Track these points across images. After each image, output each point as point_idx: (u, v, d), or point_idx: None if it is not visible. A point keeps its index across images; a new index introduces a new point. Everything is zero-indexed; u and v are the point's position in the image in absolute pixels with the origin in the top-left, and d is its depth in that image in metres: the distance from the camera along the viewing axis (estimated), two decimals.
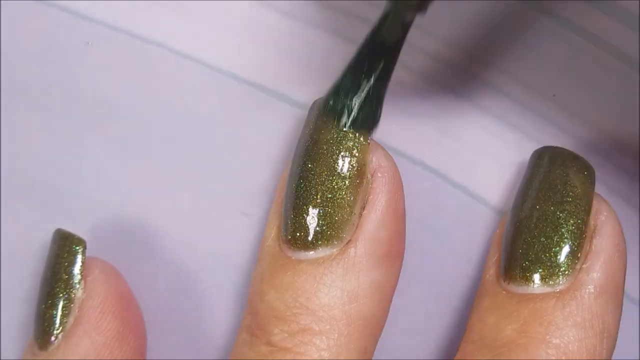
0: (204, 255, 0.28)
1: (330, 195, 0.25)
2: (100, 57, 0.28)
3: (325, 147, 0.25)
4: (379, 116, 0.25)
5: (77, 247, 0.26)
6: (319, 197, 0.25)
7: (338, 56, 0.27)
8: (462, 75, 0.27)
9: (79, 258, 0.26)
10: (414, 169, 0.27)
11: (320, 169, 0.25)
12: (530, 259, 0.24)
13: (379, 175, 0.25)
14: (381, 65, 0.24)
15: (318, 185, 0.25)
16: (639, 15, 0.26)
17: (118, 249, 0.28)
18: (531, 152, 0.26)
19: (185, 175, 0.28)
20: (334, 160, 0.25)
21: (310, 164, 0.25)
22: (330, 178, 0.25)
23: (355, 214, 0.25)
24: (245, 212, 0.28)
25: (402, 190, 0.26)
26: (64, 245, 0.27)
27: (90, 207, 0.28)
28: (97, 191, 0.28)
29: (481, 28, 0.27)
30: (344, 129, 0.25)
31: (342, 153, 0.25)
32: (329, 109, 0.25)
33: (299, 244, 0.25)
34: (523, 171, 0.26)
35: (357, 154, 0.25)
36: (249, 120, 0.28)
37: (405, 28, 0.23)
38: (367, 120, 0.24)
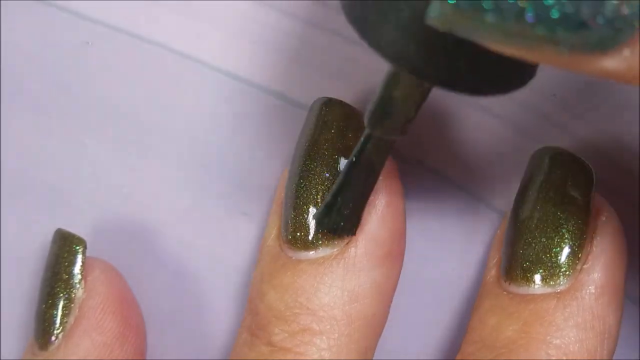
0: (204, 255, 0.28)
1: None
2: (100, 57, 0.28)
3: (325, 147, 0.25)
4: (361, 218, 0.25)
5: (78, 247, 0.26)
6: (319, 197, 0.25)
7: (338, 56, 0.27)
8: None
9: (79, 258, 0.26)
10: (414, 169, 0.27)
11: (320, 169, 0.25)
12: (531, 259, 0.24)
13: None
14: (367, 181, 0.24)
15: (318, 185, 0.25)
16: None
17: (118, 249, 0.28)
18: (531, 152, 0.26)
19: (185, 175, 0.28)
20: (334, 160, 0.25)
21: (310, 164, 0.25)
22: (331, 178, 0.25)
23: None
24: (245, 212, 0.28)
25: (402, 191, 0.26)
26: (64, 245, 0.27)
27: (90, 207, 0.28)
28: (97, 191, 0.28)
29: None
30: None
31: (342, 153, 0.25)
32: (322, 224, 0.25)
33: (300, 244, 0.25)
34: (523, 171, 0.26)
35: None
36: (249, 120, 0.28)
37: (390, 147, 0.23)
38: (353, 228, 0.25)
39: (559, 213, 0.24)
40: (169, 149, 0.28)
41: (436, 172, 0.27)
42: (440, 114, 0.27)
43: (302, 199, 0.25)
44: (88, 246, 0.27)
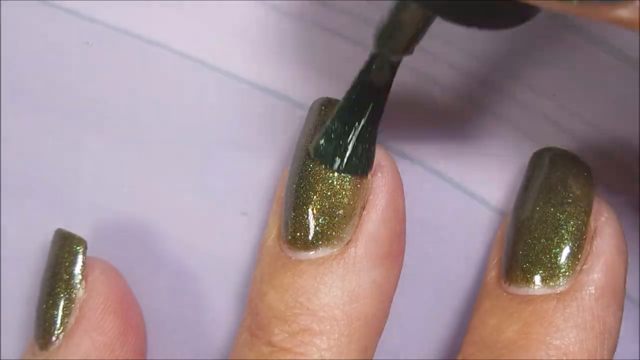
0: (204, 255, 0.28)
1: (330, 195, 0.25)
2: (100, 57, 0.28)
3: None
4: (373, 158, 0.25)
5: (78, 247, 0.26)
6: (318, 197, 0.25)
7: (338, 56, 0.27)
8: (462, 75, 0.27)
9: (80, 258, 0.26)
10: (414, 169, 0.27)
11: (319, 169, 0.25)
12: (530, 260, 0.24)
13: (379, 175, 0.25)
14: (371, 106, 0.24)
15: (318, 184, 0.25)
16: None
17: (118, 249, 0.28)
18: (531, 152, 0.26)
19: (185, 175, 0.28)
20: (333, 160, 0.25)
21: (310, 164, 0.25)
22: (331, 178, 0.25)
23: (355, 214, 0.25)
24: (245, 212, 0.28)
25: (402, 190, 0.26)
26: (65, 245, 0.27)
27: (90, 207, 0.28)
28: (97, 191, 0.28)
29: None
30: (337, 172, 0.25)
31: None
32: (320, 154, 0.25)
33: (300, 244, 0.25)
34: (523, 171, 0.26)
35: None
36: (249, 120, 0.28)
37: (393, 69, 0.24)
38: (361, 164, 0.25)
39: (558, 214, 0.24)
40: (169, 149, 0.28)
41: (436, 172, 0.27)
42: (440, 115, 0.27)
43: (302, 199, 0.25)
44: (88, 246, 0.27)
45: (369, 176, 0.25)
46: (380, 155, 0.25)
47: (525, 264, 0.24)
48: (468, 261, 0.27)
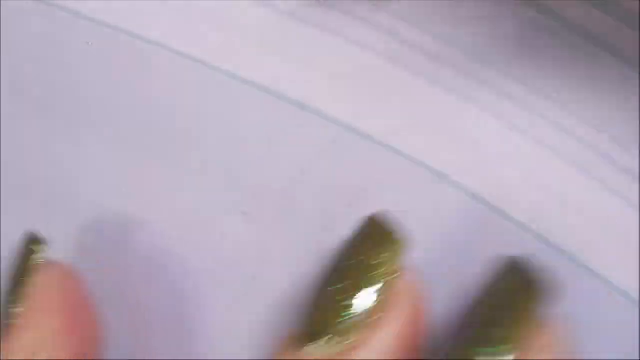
0: (204, 255, 0.28)
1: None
2: (100, 57, 0.28)
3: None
4: None
5: (34, 248, 0.26)
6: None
7: (338, 56, 0.27)
8: (463, 75, 0.27)
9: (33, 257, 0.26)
10: (414, 169, 0.27)
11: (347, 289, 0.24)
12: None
13: (400, 287, 0.24)
14: None
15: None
16: (639, 15, 0.26)
17: (117, 248, 0.28)
18: (531, 152, 0.26)
19: (185, 175, 0.28)
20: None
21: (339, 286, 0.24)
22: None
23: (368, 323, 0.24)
24: (245, 212, 0.28)
25: (423, 304, 0.25)
26: (26, 244, 0.26)
27: (90, 207, 0.28)
28: (97, 191, 0.28)
29: (481, 28, 0.27)
30: None
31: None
32: None
33: (306, 340, 0.24)
34: (523, 171, 0.26)
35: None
36: (249, 120, 0.28)
37: None
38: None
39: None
40: (169, 149, 0.28)
41: (436, 172, 0.27)
42: (440, 114, 0.27)
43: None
44: (88, 245, 0.27)
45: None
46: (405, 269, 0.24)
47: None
48: (467, 260, 0.27)
